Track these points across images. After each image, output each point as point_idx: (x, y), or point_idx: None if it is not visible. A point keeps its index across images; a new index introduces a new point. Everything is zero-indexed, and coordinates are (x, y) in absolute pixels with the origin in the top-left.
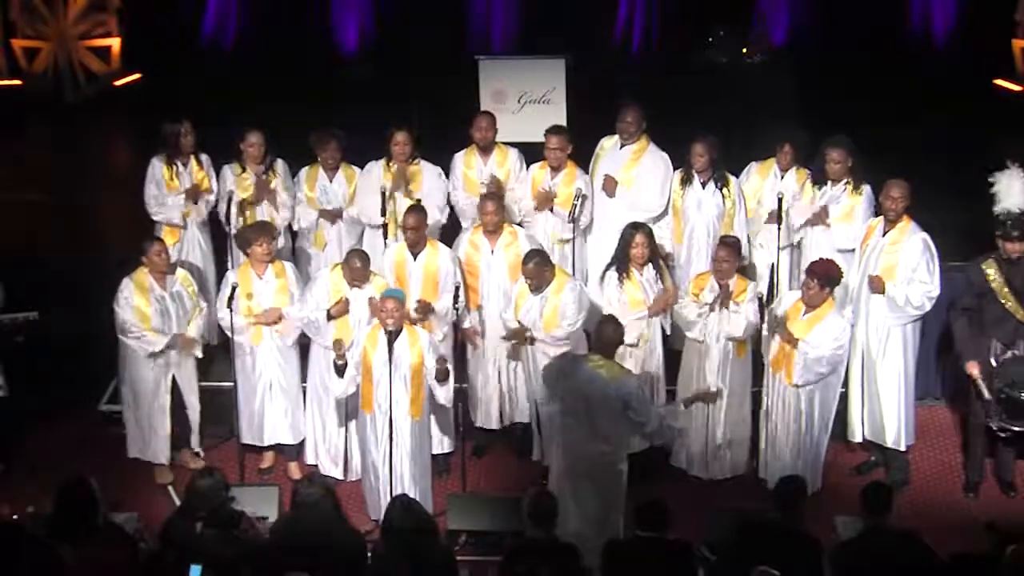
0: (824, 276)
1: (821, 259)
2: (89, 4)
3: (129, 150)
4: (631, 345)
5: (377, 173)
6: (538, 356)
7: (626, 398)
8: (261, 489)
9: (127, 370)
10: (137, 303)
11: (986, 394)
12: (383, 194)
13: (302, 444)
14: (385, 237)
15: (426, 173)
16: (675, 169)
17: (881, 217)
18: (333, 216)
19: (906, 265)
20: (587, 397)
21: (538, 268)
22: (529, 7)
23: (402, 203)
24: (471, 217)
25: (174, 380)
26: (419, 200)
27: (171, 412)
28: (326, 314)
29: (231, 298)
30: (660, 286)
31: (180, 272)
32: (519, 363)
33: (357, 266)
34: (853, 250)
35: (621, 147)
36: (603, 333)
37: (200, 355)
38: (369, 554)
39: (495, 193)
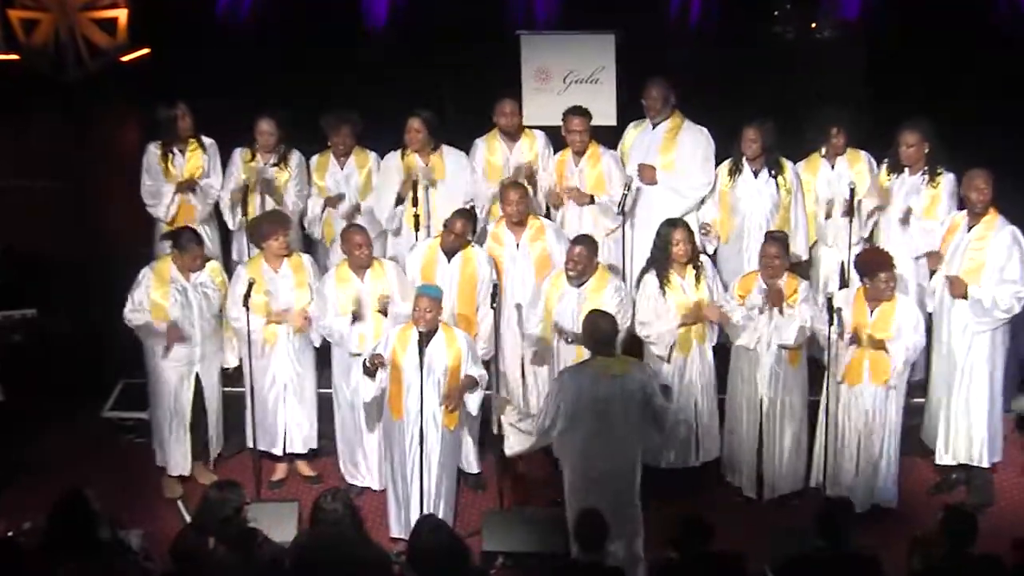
0: (890, 264)
1: (867, 249)
2: None
3: (137, 133)
4: (660, 356)
5: (395, 165)
6: (565, 357)
7: (644, 386)
8: (279, 505)
9: (149, 366)
10: (154, 295)
11: None
12: (414, 183)
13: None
14: (417, 229)
15: (448, 159)
16: (725, 158)
17: (964, 212)
18: (336, 202)
19: (994, 264)
20: (605, 403)
21: (587, 253)
22: None
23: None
24: (486, 207)
25: (198, 382)
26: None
27: (192, 418)
28: (349, 319)
29: (247, 296)
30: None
31: (210, 263)
32: (545, 367)
33: (356, 240)
34: (930, 255)
35: (654, 128)
36: (598, 330)
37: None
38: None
39: (517, 181)
